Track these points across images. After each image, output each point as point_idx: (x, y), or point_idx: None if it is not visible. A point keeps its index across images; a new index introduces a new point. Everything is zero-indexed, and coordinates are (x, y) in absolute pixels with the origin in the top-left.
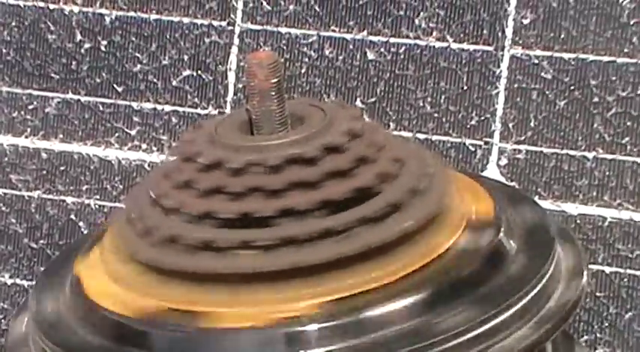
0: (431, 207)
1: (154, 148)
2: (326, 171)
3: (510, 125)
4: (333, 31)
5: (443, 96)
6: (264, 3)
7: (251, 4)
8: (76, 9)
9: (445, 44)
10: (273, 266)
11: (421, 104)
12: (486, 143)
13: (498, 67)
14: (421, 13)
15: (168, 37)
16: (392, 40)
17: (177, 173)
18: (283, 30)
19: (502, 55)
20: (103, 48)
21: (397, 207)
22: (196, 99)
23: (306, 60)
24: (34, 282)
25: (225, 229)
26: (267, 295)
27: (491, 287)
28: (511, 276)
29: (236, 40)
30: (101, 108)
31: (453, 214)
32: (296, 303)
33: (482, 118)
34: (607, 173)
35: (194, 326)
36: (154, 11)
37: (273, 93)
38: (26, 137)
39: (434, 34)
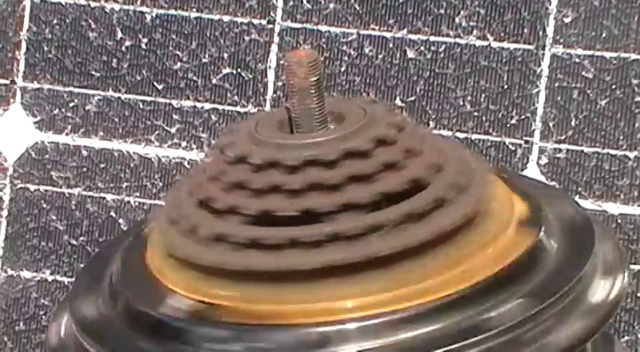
0: (475, 200)
1: (194, 146)
2: (381, 163)
3: (551, 124)
4: (373, 29)
5: (483, 95)
6: (304, 1)
7: (291, 3)
8: (116, 7)
9: (485, 43)
10: (351, 258)
11: (461, 103)
12: (527, 142)
13: (539, 65)
14: (461, 12)
15: (208, 35)
16: (432, 38)
17: (230, 175)
18: (323, 28)
19: (543, 54)
20: (143, 46)
21: (443, 201)
22: (236, 98)
23: (346, 58)
24: (74, 279)
25: (278, 227)
26: (322, 292)
27: (532, 286)
28: (551, 276)
29: (276, 38)
30: (141, 106)
31: (494, 212)
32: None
33: (523, 117)
34: None
35: (248, 323)
36: (194, 9)
37: (313, 92)
38: (67, 134)
39: (474, 32)
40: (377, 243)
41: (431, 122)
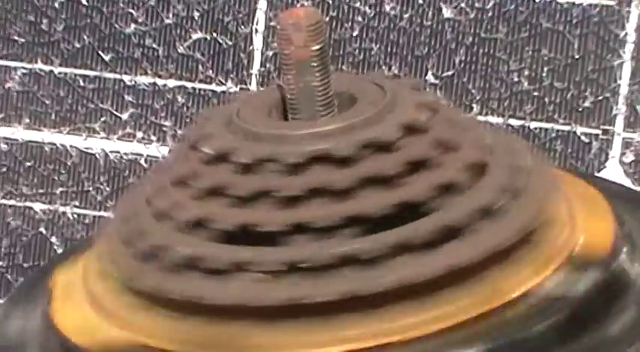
0: (525, 219)
1: (153, 137)
2: (408, 160)
3: (639, 108)
4: None
5: (545, 69)
6: None
7: None
8: None
9: None
10: (328, 295)
11: (515, 79)
12: (605, 132)
13: (623, 28)
14: None
15: None
16: None
17: (205, 178)
18: None
19: (628, 12)
20: (84, 1)
21: (488, 214)
22: (210, 72)
23: (360, 19)
24: None
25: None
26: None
27: (609, 327)
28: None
29: None
30: (82, 84)
31: (558, 227)
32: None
33: (600, 98)
34: None
35: None
36: None
37: (315, 65)
38: None
39: None
40: (394, 273)
41: (475, 105)
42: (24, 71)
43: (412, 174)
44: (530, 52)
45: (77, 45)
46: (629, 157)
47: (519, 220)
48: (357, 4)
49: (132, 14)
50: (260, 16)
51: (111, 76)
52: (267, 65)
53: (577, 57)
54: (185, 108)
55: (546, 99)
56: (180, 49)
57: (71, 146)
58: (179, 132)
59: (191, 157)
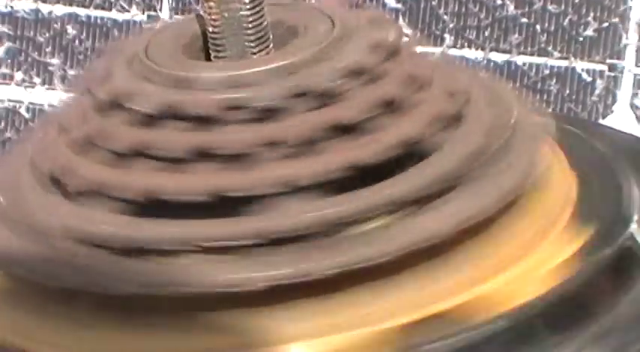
0: (512, 181)
1: (37, 80)
2: (359, 110)
3: None
4: None
5: None
6: None
7: None
8: None
9: None
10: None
11: (499, 1)
12: (612, 68)
13: None
14: None
15: None
16: None
17: (95, 128)
18: None
19: None
20: None
21: (454, 181)
22: None
23: None
24: None
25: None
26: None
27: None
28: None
29: None
30: None
31: (548, 193)
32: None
33: (606, 25)
34: None
35: None
36: None
37: None
38: None
39: None
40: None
41: (447, 35)
42: None
43: (364, 129)
44: None
45: None
46: None
47: (505, 183)
48: None
49: None
50: None
51: None
52: None
53: None
54: (77, 42)
55: (538, 27)
56: None
57: None
58: (70, 72)
59: (83, 103)
